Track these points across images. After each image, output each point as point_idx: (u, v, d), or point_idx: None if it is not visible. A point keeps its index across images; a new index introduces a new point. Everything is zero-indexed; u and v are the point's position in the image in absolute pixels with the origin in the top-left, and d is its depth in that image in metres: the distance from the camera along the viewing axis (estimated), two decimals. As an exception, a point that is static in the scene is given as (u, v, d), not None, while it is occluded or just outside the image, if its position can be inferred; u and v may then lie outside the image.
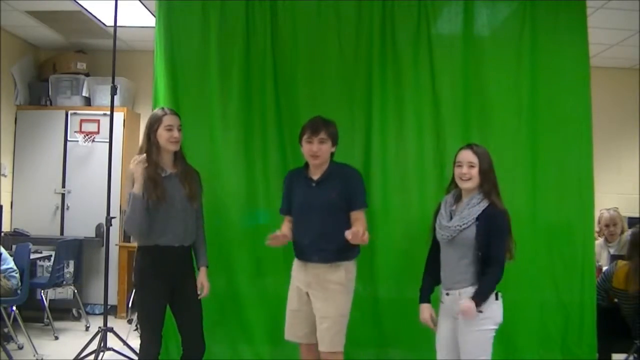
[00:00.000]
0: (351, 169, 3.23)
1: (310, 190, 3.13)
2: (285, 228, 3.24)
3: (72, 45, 6.50)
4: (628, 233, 4.53)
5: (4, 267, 4.61)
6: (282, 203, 3.30)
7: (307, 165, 3.20)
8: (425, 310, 3.01)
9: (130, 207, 3.06)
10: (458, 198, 3.01)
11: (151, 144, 3.16)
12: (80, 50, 6.56)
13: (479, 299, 2.78)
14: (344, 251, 3.06)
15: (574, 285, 3.70)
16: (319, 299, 3.06)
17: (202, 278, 3.28)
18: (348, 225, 3.00)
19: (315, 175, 3.15)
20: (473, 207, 2.87)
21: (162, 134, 3.15)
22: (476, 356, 2.81)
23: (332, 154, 3.17)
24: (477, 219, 2.85)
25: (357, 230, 2.87)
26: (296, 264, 3.21)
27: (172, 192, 3.14)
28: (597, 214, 4.38)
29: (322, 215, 3.07)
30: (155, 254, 3.11)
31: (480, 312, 2.79)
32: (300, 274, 3.17)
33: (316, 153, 3.08)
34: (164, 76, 3.78)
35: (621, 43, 5.83)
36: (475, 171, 2.91)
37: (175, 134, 3.17)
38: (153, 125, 3.16)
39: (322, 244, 3.06)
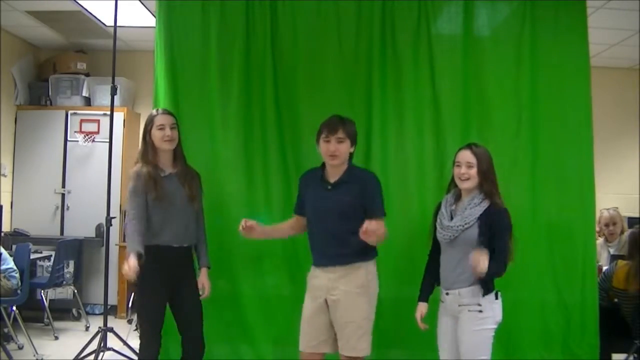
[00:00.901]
0: (370, 173, 3.15)
1: (326, 194, 3.03)
2: (282, 224, 3.29)
3: (72, 45, 6.51)
4: (628, 233, 4.53)
5: (4, 267, 4.61)
6: (296, 202, 3.26)
7: (323, 165, 3.11)
8: (418, 308, 3.03)
9: (129, 230, 3.10)
10: (458, 197, 3.01)
11: (147, 145, 3.20)
12: (80, 50, 6.56)
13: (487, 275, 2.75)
14: (361, 253, 2.99)
15: (575, 285, 3.69)
16: (340, 303, 2.97)
17: (204, 279, 3.28)
18: None
19: (332, 177, 3.05)
20: (475, 207, 2.87)
21: (155, 134, 3.18)
22: (476, 356, 2.81)
23: (351, 155, 3.08)
24: (479, 218, 2.85)
25: (367, 227, 2.72)
26: (313, 270, 3.11)
27: (172, 192, 3.15)
28: (597, 214, 4.38)
29: (337, 220, 2.97)
30: (155, 254, 3.11)
31: (481, 311, 2.80)
32: (318, 280, 3.05)
33: (334, 153, 2.97)
34: (164, 76, 3.78)
35: (621, 43, 5.83)
36: (473, 171, 2.91)
37: (168, 132, 3.18)
38: (147, 127, 3.22)
39: (338, 248, 2.98)
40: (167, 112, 3.30)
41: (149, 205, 3.10)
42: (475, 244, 2.83)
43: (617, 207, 4.90)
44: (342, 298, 2.98)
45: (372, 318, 3.04)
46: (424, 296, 3.06)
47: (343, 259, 2.99)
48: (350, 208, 2.95)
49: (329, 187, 3.04)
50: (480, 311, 2.81)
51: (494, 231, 2.83)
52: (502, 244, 2.82)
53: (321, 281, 3.04)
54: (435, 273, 3.02)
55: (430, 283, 3.06)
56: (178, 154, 3.27)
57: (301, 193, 3.23)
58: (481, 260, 2.66)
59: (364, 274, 3.00)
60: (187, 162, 3.30)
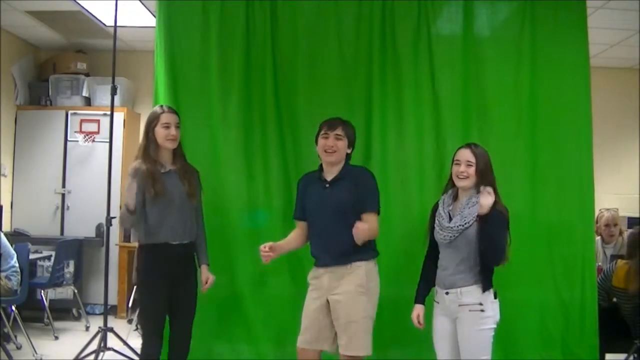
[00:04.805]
0: (364, 169, 3.21)
1: (324, 192, 3.09)
2: (290, 236, 3.22)
3: (72, 45, 6.50)
4: (627, 233, 4.52)
5: (9, 265, 4.60)
6: (295, 208, 3.27)
7: (321, 167, 3.16)
8: (415, 310, 3.02)
9: (121, 217, 3.15)
10: (455, 197, 3.01)
11: (149, 141, 3.19)
12: (80, 50, 6.56)
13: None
14: (359, 252, 3.01)
15: (575, 285, 3.69)
16: (342, 303, 3.00)
17: (206, 274, 3.28)
18: None
19: (329, 176, 3.11)
20: (473, 205, 2.87)
21: (159, 132, 3.18)
22: (477, 356, 2.81)
23: (348, 156, 3.14)
24: (478, 216, 2.85)
25: (358, 226, 2.85)
26: (314, 270, 3.14)
27: (172, 189, 3.15)
28: (596, 214, 4.37)
29: (334, 217, 3.02)
30: (155, 252, 3.11)
31: (482, 310, 2.80)
32: (319, 281, 3.08)
33: (331, 148, 3.04)
34: (164, 76, 3.78)
35: (621, 43, 5.83)
36: (472, 170, 2.91)
37: (173, 131, 3.19)
38: (151, 123, 3.20)
39: (337, 245, 3.01)
40: (172, 110, 3.29)
41: (147, 203, 3.10)
42: (475, 243, 2.83)
43: (617, 209, 4.89)
44: (343, 298, 3.00)
45: (374, 317, 3.06)
46: (421, 298, 3.05)
47: (343, 259, 3.01)
48: (347, 205, 3.02)
49: (327, 185, 3.09)
50: (482, 310, 2.80)
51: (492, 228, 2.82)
52: (499, 238, 2.82)
53: (322, 281, 3.07)
54: (431, 276, 3.02)
55: (426, 285, 3.05)
56: (178, 151, 3.28)
57: (300, 196, 3.25)
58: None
59: (364, 273, 3.02)
60: (186, 159, 3.31)
